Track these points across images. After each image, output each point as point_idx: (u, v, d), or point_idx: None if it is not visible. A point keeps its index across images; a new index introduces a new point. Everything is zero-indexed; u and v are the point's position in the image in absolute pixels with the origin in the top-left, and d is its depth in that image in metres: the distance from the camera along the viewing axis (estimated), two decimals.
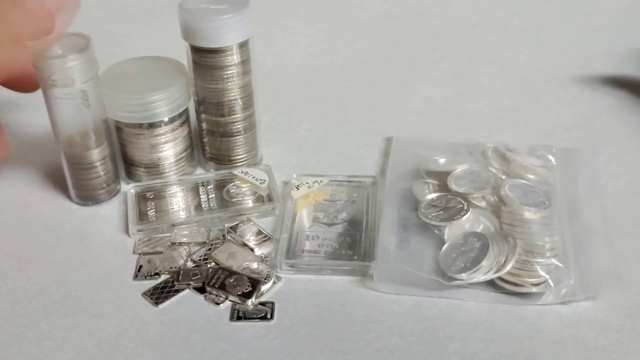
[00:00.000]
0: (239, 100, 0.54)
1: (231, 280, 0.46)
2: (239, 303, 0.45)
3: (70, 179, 0.53)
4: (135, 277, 0.48)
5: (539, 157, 0.54)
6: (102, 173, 0.53)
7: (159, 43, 0.76)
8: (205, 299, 0.46)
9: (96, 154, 0.52)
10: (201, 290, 0.46)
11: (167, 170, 0.55)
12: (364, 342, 0.43)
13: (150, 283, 0.47)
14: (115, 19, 0.83)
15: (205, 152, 0.57)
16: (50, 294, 0.47)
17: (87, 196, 0.54)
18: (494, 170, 0.52)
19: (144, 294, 0.46)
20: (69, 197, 0.55)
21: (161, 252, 0.49)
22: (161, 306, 0.45)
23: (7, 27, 0.47)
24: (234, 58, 0.52)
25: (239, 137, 0.55)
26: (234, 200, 0.53)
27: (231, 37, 0.50)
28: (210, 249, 0.49)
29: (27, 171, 0.58)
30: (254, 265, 0.48)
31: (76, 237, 0.51)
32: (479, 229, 0.48)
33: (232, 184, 0.54)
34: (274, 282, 0.47)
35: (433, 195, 0.51)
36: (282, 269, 0.47)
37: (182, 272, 0.47)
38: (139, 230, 0.51)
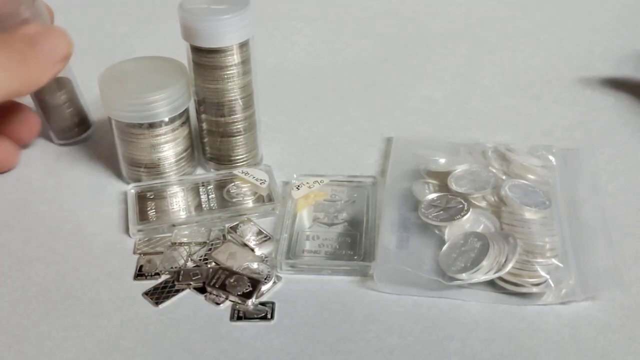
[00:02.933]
0: (239, 101, 0.54)
1: (231, 280, 0.46)
2: (239, 303, 0.45)
3: (46, 118, 0.60)
4: (135, 277, 0.48)
5: (539, 157, 0.54)
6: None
7: (159, 43, 0.76)
8: (205, 299, 0.46)
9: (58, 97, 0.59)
10: (201, 290, 0.46)
11: (167, 170, 0.55)
12: (364, 342, 0.43)
13: (150, 283, 0.47)
14: (115, 19, 0.83)
15: (205, 152, 0.57)
16: (50, 294, 0.47)
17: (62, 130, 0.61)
18: (494, 171, 0.52)
19: (144, 294, 0.46)
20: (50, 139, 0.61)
21: (161, 252, 0.49)
22: (161, 306, 0.45)
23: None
24: (234, 58, 0.52)
25: (239, 137, 0.55)
26: (234, 200, 0.53)
27: (231, 37, 0.50)
28: (210, 249, 0.49)
29: (27, 171, 0.58)
30: (254, 266, 0.48)
31: (76, 237, 0.51)
32: (479, 229, 0.48)
33: (233, 184, 0.54)
34: (274, 282, 0.47)
35: (433, 196, 0.51)
36: (283, 269, 0.47)
37: (182, 272, 0.47)
38: (139, 230, 0.51)
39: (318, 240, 0.49)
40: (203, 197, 0.53)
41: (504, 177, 0.52)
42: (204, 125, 0.55)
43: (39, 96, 0.58)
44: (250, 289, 0.45)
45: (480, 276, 0.45)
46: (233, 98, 0.53)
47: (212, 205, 0.53)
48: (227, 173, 0.55)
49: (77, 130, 0.61)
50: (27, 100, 0.59)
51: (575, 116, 0.63)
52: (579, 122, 0.62)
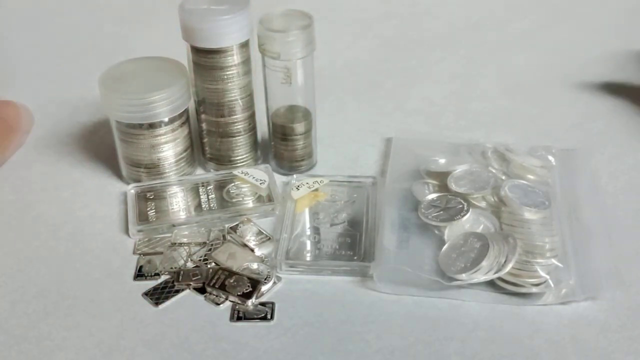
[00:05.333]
0: (239, 101, 0.54)
1: (231, 281, 0.46)
2: (239, 303, 0.45)
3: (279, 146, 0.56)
4: (135, 277, 0.48)
5: (538, 158, 0.54)
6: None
7: (159, 43, 0.76)
8: (205, 299, 0.46)
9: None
10: (201, 290, 0.46)
11: (167, 171, 0.55)
12: (364, 343, 0.43)
13: (151, 283, 0.47)
14: (115, 19, 0.83)
15: (205, 152, 0.57)
16: (50, 294, 0.47)
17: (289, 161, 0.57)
18: (493, 171, 0.52)
19: (144, 294, 0.46)
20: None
21: (161, 253, 0.49)
22: (161, 306, 0.45)
23: None
24: (234, 58, 0.52)
25: (239, 137, 0.55)
26: (234, 200, 0.53)
27: (231, 37, 0.50)
28: (210, 250, 0.49)
29: (28, 171, 0.58)
30: (254, 266, 0.48)
31: (76, 237, 0.51)
32: (479, 230, 0.48)
33: (232, 184, 0.54)
34: (274, 283, 0.47)
35: (433, 196, 0.51)
36: (282, 269, 0.47)
37: (182, 272, 0.47)
38: (139, 231, 0.51)
39: (318, 240, 0.49)
40: (203, 198, 0.53)
41: (503, 178, 0.52)
42: (204, 126, 0.55)
43: (282, 123, 0.55)
44: (250, 289, 0.46)
45: (480, 276, 0.45)
46: (233, 98, 0.53)
47: (212, 205, 0.53)
48: (227, 173, 0.55)
49: (303, 163, 0.57)
50: None
51: (575, 117, 0.63)
52: (578, 122, 0.62)
